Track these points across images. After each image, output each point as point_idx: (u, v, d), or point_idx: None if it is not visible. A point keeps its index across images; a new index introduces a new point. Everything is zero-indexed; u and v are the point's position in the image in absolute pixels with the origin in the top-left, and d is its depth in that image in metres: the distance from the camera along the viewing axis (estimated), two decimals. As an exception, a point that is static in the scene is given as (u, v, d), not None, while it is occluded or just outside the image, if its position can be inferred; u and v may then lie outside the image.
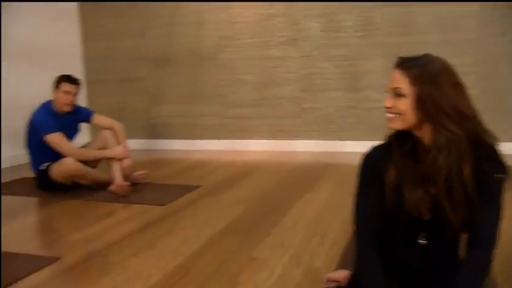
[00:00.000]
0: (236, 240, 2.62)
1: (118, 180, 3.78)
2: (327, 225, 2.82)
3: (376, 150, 1.56)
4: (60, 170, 3.75)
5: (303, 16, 5.31)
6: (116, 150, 3.91)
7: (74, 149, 3.86)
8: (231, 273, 2.20)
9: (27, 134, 3.92)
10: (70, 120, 4.00)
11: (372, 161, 1.54)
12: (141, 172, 4.15)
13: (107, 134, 4.00)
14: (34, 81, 5.37)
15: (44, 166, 3.86)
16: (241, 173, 4.41)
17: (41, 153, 3.86)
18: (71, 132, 4.03)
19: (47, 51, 5.75)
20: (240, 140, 5.73)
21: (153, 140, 6.12)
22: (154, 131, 6.13)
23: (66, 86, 3.87)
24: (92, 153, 3.95)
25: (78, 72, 6.21)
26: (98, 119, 4.12)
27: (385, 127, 1.54)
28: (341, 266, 2.18)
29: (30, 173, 4.08)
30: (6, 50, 5.24)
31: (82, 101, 6.06)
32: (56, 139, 3.78)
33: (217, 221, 2.97)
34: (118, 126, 4.07)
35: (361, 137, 5.11)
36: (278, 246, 2.50)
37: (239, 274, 2.18)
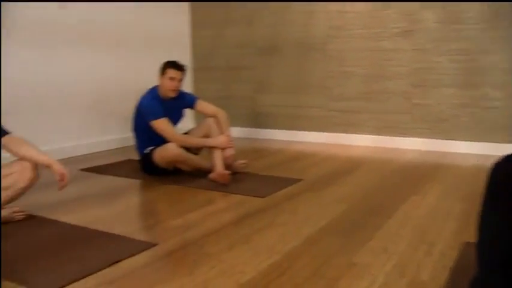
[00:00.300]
0: (336, 241, 2.48)
1: (219, 168, 3.76)
2: (435, 233, 2.59)
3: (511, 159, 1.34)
4: (162, 154, 3.80)
5: (420, 6, 4.99)
6: (218, 140, 3.89)
7: (177, 135, 3.89)
8: (329, 277, 2.06)
9: (134, 118, 4.01)
10: (174, 105, 4.04)
11: (506, 173, 1.32)
12: (242, 161, 4.12)
13: (210, 121, 4.00)
14: (144, 66, 5.53)
15: (148, 150, 3.93)
16: (343, 168, 4.24)
17: (146, 137, 3.93)
18: (175, 118, 4.08)
19: (157, 38, 5.89)
20: (344, 134, 5.54)
21: (256, 129, 6.09)
22: (257, 120, 6.10)
23: (171, 72, 3.90)
24: (195, 141, 3.97)
25: (186, 59, 6.34)
26: (202, 105, 4.13)
27: (506, 129, 1.31)
28: (451, 282, 1.98)
29: (136, 156, 4.18)
30: (119, 36, 5.43)
31: (188, 87, 6.19)
32: (161, 124, 3.84)
33: (317, 219, 2.84)
34: (221, 114, 4.06)
35: (475, 137, 4.71)
36: (381, 252, 2.33)
37: (338, 280, 2.04)
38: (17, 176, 2.78)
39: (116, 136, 5.36)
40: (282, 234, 2.58)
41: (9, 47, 4.34)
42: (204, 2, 6.31)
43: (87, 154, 5.03)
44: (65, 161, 4.58)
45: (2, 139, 2.82)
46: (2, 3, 3.30)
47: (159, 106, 3.88)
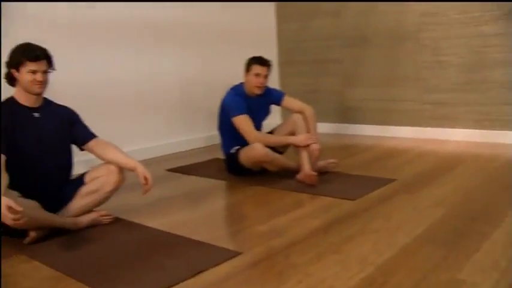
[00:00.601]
0: (436, 253, 2.23)
1: (306, 168, 3.60)
2: (554, 244, 2.28)
3: None
4: (248, 155, 3.69)
5: (526, -14, 4.54)
6: (298, 138, 3.71)
7: (255, 133, 3.75)
8: (430, 297, 1.85)
9: (219, 116, 3.93)
10: (260, 102, 3.91)
11: None
12: (331, 161, 3.92)
13: (296, 118, 3.83)
14: (229, 63, 5.46)
15: (234, 150, 3.84)
16: (440, 166, 3.93)
17: (232, 136, 3.84)
18: (261, 115, 3.96)
19: (242, 33, 5.81)
20: (440, 128, 5.17)
21: (345, 124, 5.86)
22: (346, 115, 5.86)
23: (257, 68, 3.78)
24: (274, 139, 3.81)
25: (272, 53, 6.22)
26: (289, 101, 3.97)
27: None
28: None
29: (222, 154, 4.11)
30: (204, 33, 5.39)
31: (274, 81, 6.06)
32: (240, 121, 3.72)
33: (413, 226, 2.60)
34: (308, 110, 3.87)
35: None
36: (490, 268, 2.05)
37: (440, 300, 1.82)
38: (104, 180, 2.78)
39: (202, 135, 5.34)
40: (375, 243, 2.38)
41: (92, 47, 4.42)
42: (289, -5, 6.16)
43: (173, 154, 5.05)
44: (151, 161, 4.63)
45: (89, 143, 2.83)
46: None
47: (242, 102, 3.77)
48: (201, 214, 3.05)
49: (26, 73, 2.59)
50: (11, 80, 2.68)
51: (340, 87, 5.87)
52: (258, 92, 3.83)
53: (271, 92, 4.00)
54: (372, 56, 5.57)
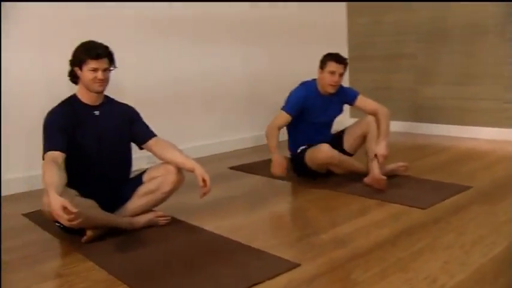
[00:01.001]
0: (516, 276, 2.02)
1: (375, 172, 3.40)
2: None
3: None
4: (313, 156, 3.53)
5: None
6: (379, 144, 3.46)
7: (272, 126, 3.56)
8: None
9: None
10: (332, 101, 3.71)
11: None
12: (401, 164, 3.69)
13: (370, 120, 3.63)
14: (298, 58, 5.33)
15: (300, 149, 3.70)
16: (524, 174, 3.63)
17: (299, 135, 3.71)
18: (331, 114, 3.77)
19: (311, 28, 5.66)
20: (523, 130, 4.81)
21: (417, 123, 5.58)
22: (419, 113, 5.58)
23: (332, 66, 3.56)
24: (270, 141, 3.54)
25: (342, 49, 6.02)
26: (362, 101, 3.71)
27: None
28: None
29: (287, 153, 3.98)
30: (273, 28, 5.28)
31: (345, 77, 5.87)
32: (279, 115, 3.59)
33: (489, 243, 2.36)
34: (382, 111, 3.58)
35: None
36: None
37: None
38: (162, 180, 2.73)
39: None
40: (446, 262, 2.17)
41: (158, 43, 4.41)
42: (361, -13, 5.92)
43: (237, 150, 4.98)
44: (214, 158, 4.58)
45: (148, 142, 2.79)
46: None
47: (298, 103, 3.59)
48: (260, 218, 2.94)
49: (88, 71, 2.58)
50: (74, 78, 2.68)
51: (414, 84, 5.59)
52: (331, 90, 3.62)
53: (345, 91, 3.77)
54: (448, 51, 5.25)
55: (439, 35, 5.30)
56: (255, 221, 2.89)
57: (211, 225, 2.78)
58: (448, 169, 3.89)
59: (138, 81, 4.24)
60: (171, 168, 2.73)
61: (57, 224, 2.61)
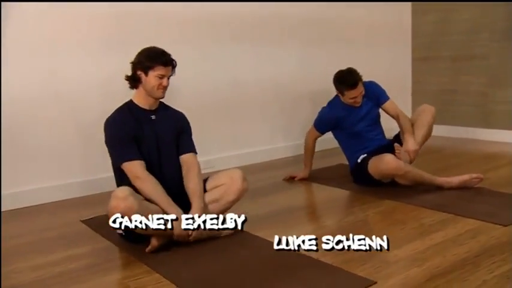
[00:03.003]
0: None
1: (409, 143, 3.59)
2: None
3: None
4: (377, 167, 3.54)
5: None
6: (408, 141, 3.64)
7: (308, 136, 4.02)
8: None
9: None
10: (362, 106, 3.83)
11: None
12: (474, 175, 3.61)
13: (422, 109, 3.82)
14: (362, 60, 5.29)
15: (361, 158, 3.72)
16: None
17: (354, 144, 3.81)
18: (369, 116, 3.87)
19: (375, 28, 5.62)
20: None
21: (488, 130, 5.45)
22: (490, 119, 5.45)
23: (351, 93, 3.70)
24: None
25: (406, 49, 5.97)
26: (389, 105, 3.87)
27: None
28: None
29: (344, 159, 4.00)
30: (333, 29, 5.27)
31: (406, 79, 5.84)
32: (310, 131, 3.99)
33: None
34: (402, 115, 3.79)
35: None
36: None
37: None
38: (226, 188, 2.78)
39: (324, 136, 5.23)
40: (537, 287, 2.13)
41: (208, 45, 4.46)
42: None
43: (291, 156, 5.02)
44: (270, 164, 4.62)
45: (182, 156, 2.86)
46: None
47: (325, 120, 3.90)
48: (327, 230, 2.93)
49: (154, 77, 2.69)
50: (135, 82, 2.77)
51: (484, 87, 5.47)
52: (357, 105, 3.79)
53: (374, 90, 3.88)
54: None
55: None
56: (322, 233, 2.87)
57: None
58: (526, 181, 3.81)
59: (191, 86, 4.31)
60: (236, 176, 2.78)
61: (118, 231, 2.70)
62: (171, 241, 2.64)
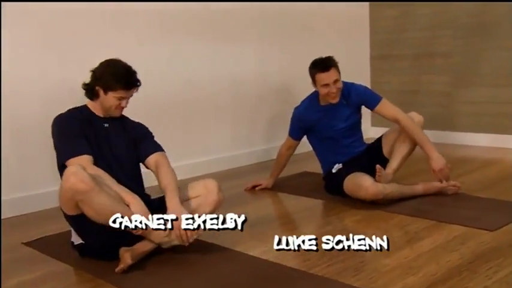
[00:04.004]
0: None
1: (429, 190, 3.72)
2: None
3: None
4: (354, 191, 3.61)
5: None
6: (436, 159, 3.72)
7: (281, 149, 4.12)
8: None
9: None
10: (341, 107, 3.85)
11: None
12: (452, 183, 3.83)
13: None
14: (308, 57, 5.46)
15: (336, 169, 3.84)
16: None
17: (324, 153, 3.96)
18: (347, 120, 3.89)
19: (329, 22, 5.80)
20: None
21: (453, 132, 5.75)
22: (454, 121, 5.77)
23: (321, 78, 3.70)
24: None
25: (363, 46, 6.20)
26: (383, 107, 3.86)
27: None
28: None
29: (311, 167, 4.11)
30: (280, 21, 5.40)
31: (365, 79, 6.03)
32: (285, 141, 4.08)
33: None
34: (403, 118, 3.78)
35: None
36: None
37: None
38: (201, 200, 2.85)
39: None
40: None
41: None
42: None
43: (250, 165, 5.13)
44: (223, 174, 4.71)
45: (149, 157, 2.95)
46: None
47: (295, 123, 3.98)
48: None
49: (113, 97, 2.80)
50: (92, 95, 2.86)
51: (448, 87, 5.78)
52: (334, 101, 3.78)
53: (363, 92, 3.91)
54: (492, 48, 5.43)
55: (481, 28, 5.46)
56: (303, 245, 3.01)
57: (256, 250, 2.90)
58: (501, 185, 4.06)
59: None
60: (211, 186, 2.86)
61: (75, 247, 2.78)
62: (143, 258, 2.69)
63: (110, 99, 2.79)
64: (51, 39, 3.87)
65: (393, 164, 3.77)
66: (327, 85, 3.69)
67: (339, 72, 3.73)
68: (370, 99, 3.90)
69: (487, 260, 2.67)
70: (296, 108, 3.99)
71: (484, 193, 3.84)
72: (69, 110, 2.89)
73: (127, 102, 2.86)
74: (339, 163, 3.84)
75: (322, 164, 4.00)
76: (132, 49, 4.16)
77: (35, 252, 3.06)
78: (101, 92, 2.80)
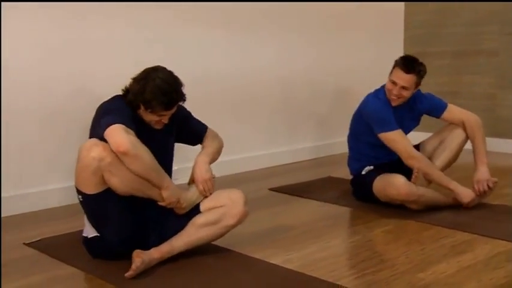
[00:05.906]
0: None
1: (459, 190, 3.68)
2: None
3: None
4: (385, 190, 3.64)
5: None
6: (463, 192, 3.69)
7: (417, 155, 3.70)
8: None
9: (352, 123, 4.04)
10: (405, 114, 3.87)
11: None
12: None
13: (458, 134, 3.82)
14: (342, 55, 5.47)
15: (365, 170, 3.85)
16: None
17: (365, 151, 3.92)
18: (404, 129, 3.85)
19: (360, 18, 5.82)
20: None
21: (497, 139, 5.68)
22: (499, 126, 5.71)
23: (396, 74, 3.69)
24: (437, 174, 3.72)
25: (397, 45, 6.19)
26: (450, 113, 3.89)
27: None
28: None
29: (338, 172, 4.10)
30: (309, 17, 5.41)
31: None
32: (394, 138, 3.71)
33: None
34: (472, 120, 3.84)
35: None
36: None
37: None
38: (226, 210, 2.86)
39: (310, 144, 5.38)
40: None
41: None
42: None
43: (273, 167, 5.14)
44: (249, 176, 4.71)
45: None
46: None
47: (389, 113, 3.74)
48: (334, 251, 3.06)
49: (154, 115, 2.80)
50: (132, 106, 2.82)
51: (493, 89, 5.75)
52: (392, 103, 3.77)
53: (428, 100, 3.94)
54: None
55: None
56: (328, 255, 2.98)
57: (278, 258, 2.90)
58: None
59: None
60: (236, 197, 2.88)
61: (88, 241, 2.82)
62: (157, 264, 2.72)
63: (149, 116, 2.81)
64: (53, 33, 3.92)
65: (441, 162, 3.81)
66: (394, 83, 3.70)
67: (417, 84, 3.74)
68: (437, 107, 3.92)
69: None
70: (374, 101, 3.83)
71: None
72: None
73: (168, 118, 2.86)
74: (370, 165, 3.85)
75: (352, 161, 3.99)
76: (138, 37, 4.23)
77: (37, 254, 3.08)
78: (142, 107, 2.80)
